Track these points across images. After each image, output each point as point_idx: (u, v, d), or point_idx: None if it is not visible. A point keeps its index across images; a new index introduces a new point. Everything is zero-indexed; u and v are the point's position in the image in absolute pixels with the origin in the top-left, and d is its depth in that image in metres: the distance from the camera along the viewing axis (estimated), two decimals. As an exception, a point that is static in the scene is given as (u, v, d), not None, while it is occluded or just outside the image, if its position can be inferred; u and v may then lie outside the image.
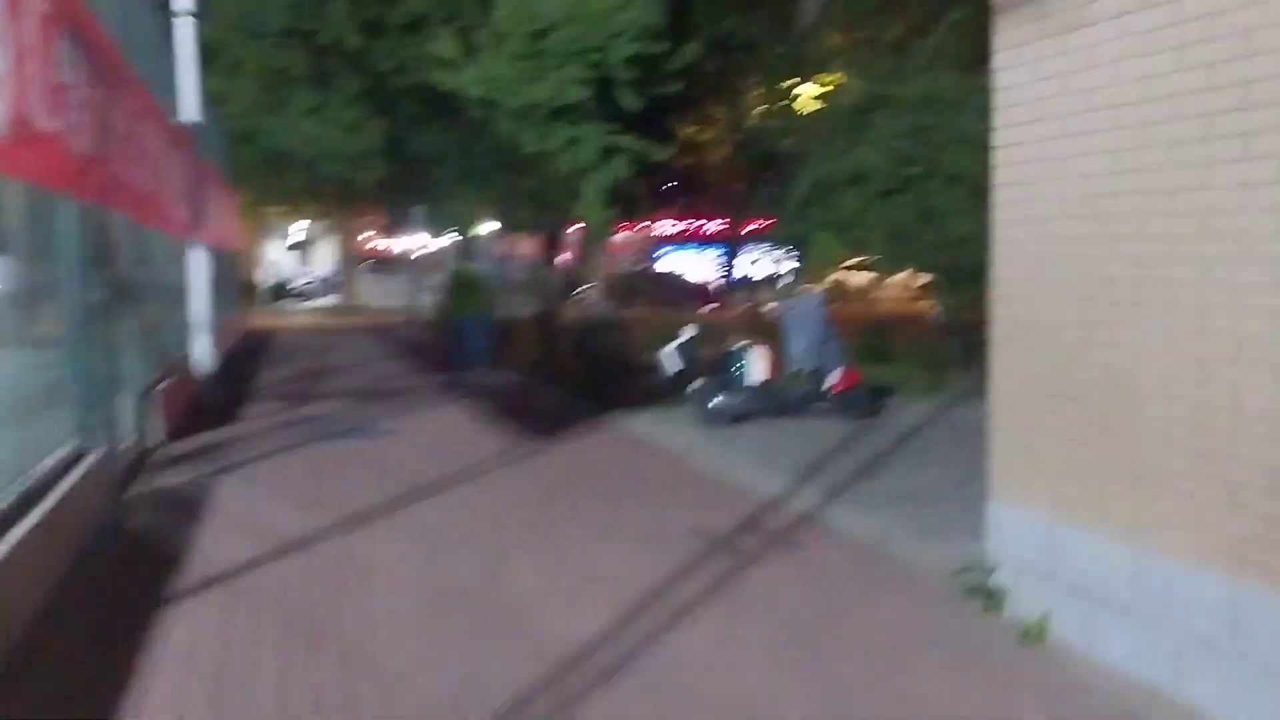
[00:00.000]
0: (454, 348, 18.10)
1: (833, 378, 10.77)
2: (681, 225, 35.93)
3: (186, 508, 8.04)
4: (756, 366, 10.78)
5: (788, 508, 7.84)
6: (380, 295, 40.05)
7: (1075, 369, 5.07)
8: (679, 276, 33.16)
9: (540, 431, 11.12)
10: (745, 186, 26.55)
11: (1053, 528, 5.25)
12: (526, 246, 36.30)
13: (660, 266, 36.21)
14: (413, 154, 26.28)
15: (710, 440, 10.19)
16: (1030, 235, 5.43)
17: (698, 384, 10.91)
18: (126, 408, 9.68)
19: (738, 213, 28.49)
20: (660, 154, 18.45)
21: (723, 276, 30.70)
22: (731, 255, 30.49)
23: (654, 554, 6.63)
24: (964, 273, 16.44)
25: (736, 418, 10.75)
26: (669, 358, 11.37)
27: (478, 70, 16.15)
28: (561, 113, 16.72)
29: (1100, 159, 4.91)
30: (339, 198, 31.06)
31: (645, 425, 11.33)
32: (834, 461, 9.22)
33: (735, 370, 10.78)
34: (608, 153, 17.24)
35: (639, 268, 34.27)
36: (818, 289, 10.62)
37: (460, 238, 39.22)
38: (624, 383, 14.17)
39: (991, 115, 5.71)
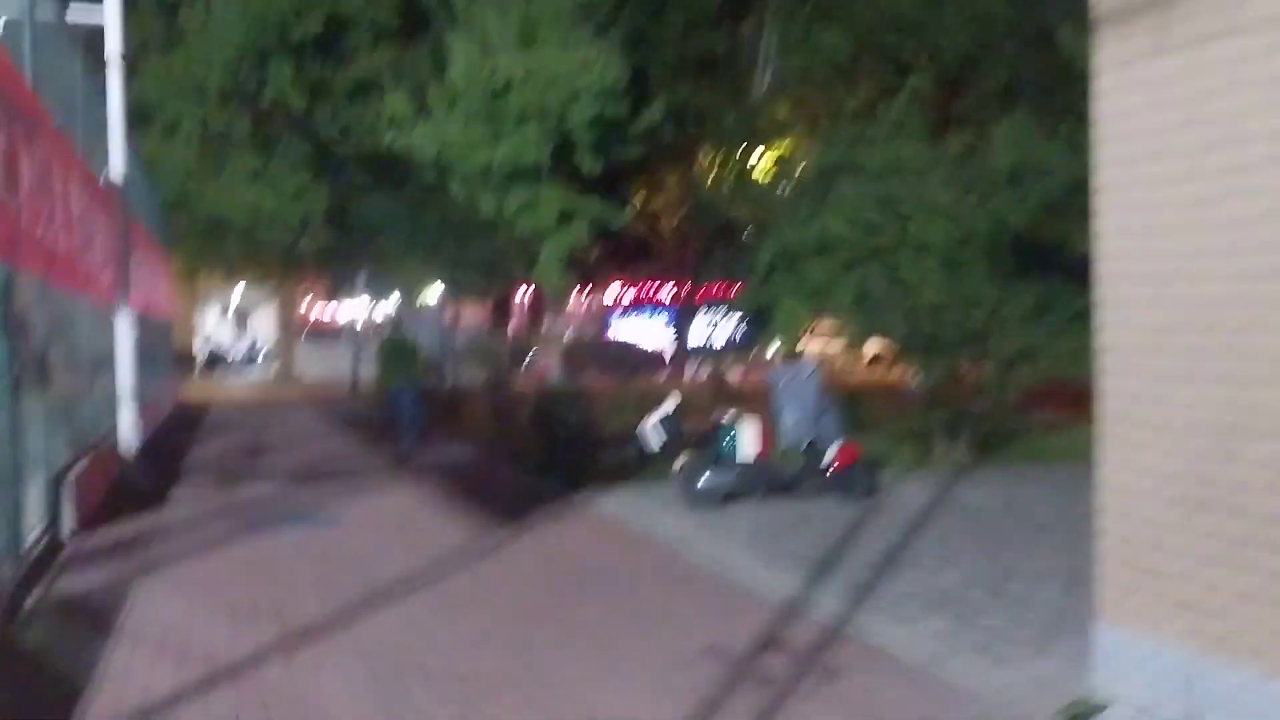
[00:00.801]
0: (388, 418, 16.30)
1: (830, 453, 9.64)
2: (634, 291, 34.86)
3: (97, 620, 6.63)
4: (748, 441, 9.62)
5: (810, 615, 6.61)
6: (320, 365, 38.37)
7: (1223, 468, 3.96)
8: (633, 344, 32.06)
9: (507, 517, 9.80)
10: (699, 252, 25.61)
11: (1191, 662, 4.11)
12: (473, 313, 35.05)
13: (613, 333, 35.12)
14: (358, 221, 25.01)
15: (701, 525, 8.97)
16: (1149, 298, 4.35)
17: (683, 460, 9.70)
18: (33, 496, 8.26)
19: (692, 278, 27.55)
20: (619, 219, 17.50)
21: (677, 343, 29.68)
22: (686, 321, 29.51)
23: (667, 687, 5.35)
24: (940, 343, 15.56)
25: (726, 497, 9.56)
26: (652, 432, 10.17)
27: (430, 130, 15.03)
28: (519, 175, 15.65)
29: (1251, 202, 3.85)
30: (279, 264, 29.60)
31: (624, 507, 10.07)
32: (846, 553, 8.04)
33: (725, 445, 9.61)
34: (566, 216, 16.19)
35: (591, 335, 33.13)
36: (810, 357, 9.54)
37: (402, 304, 37.83)
38: (590, 458, 12.92)
39: (1092, 149, 4.68)
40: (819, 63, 22.79)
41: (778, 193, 19.01)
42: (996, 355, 12.99)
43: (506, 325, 31.92)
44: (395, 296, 36.59)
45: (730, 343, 29.76)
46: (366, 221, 24.86)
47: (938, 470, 12.47)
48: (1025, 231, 16.47)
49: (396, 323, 26.80)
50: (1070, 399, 15.33)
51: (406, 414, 15.30)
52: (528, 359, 34.05)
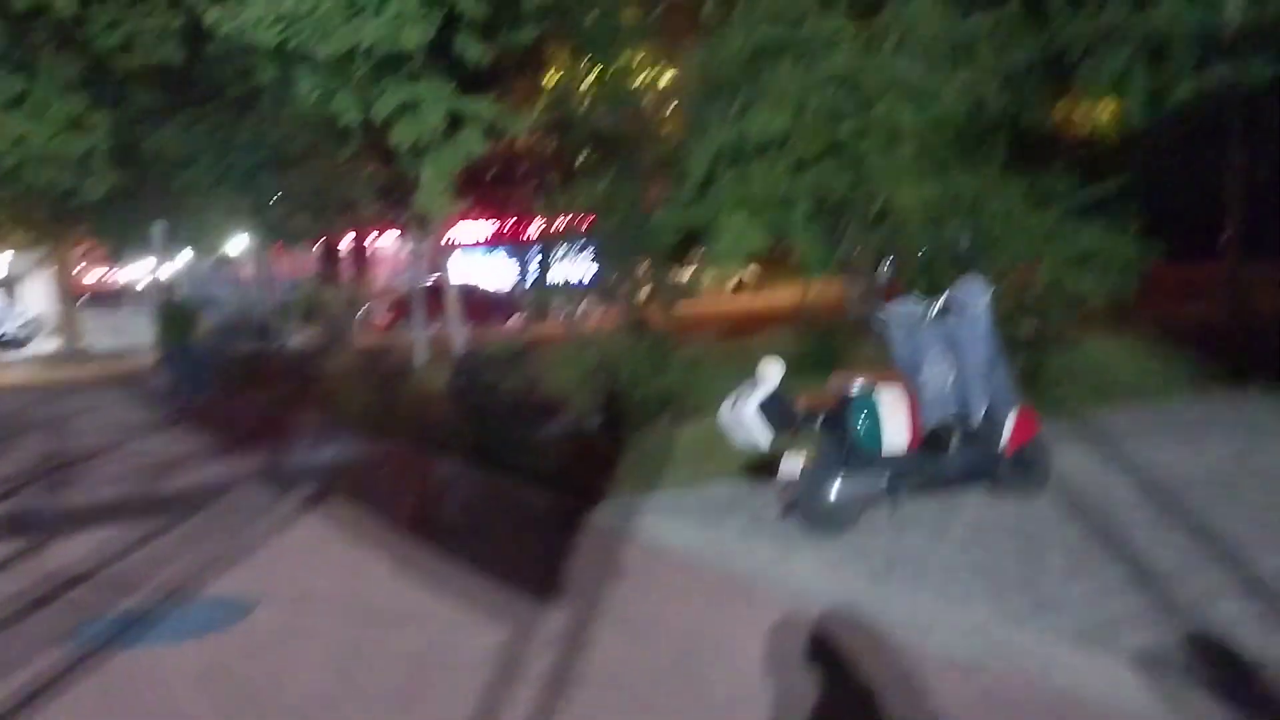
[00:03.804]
0: (170, 382, 15.87)
1: (1007, 426, 6.13)
2: (475, 227, 30.19)
3: None
4: (894, 421, 6.04)
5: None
6: (109, 336, 32.17)
7: None
8: (478, 288, 27.60)
9: (521, 575, 5.83)
10: (565, 175, 21.51)
11: None
12: (293, 262, 29.86)
13: (453, 278, 30.12)
14: (151, 156, 19.71)
15: (874, 573, 5.16)
16: None
17: (794, 459, 5.92)
18: None
19: (552, 208, 23.40)
20: (516, 125, 13.42)
21: (532, 284, 25.51)
22: (544, 259, 25.37)
23: None
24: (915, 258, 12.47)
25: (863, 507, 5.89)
26: (754, 420, 5.80)
27: (269, 5, 10.45)
28: (391, 65, 11.31)
29: None
30: (54, 218, 23.75)
31: (691, 537, 6.17)
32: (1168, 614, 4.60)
33: (861, 431, 5.94)
34: (455, 121, 11.97)
35: (430, 280, 28.34)
36: (979, 281, 5.81)
37: (196, 261, 32.12)
38: (556, 442, 9.08)
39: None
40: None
41: (691, 90, 15.33)
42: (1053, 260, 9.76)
43: (339, 274, 26.98)
44: (188, 253, 30.95)
45: (588, 281, 25.80)
46: (162, 156, 19.63)
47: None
48: (1010, 115, 13.42)
49: (173, 284, 22.51)
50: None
51: (184, 375, 15.11)
52: (361, 311, 29.22)
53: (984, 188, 11.51)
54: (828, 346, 13.70)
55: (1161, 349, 11.54)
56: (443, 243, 25.81)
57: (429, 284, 21.20)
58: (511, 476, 8.30)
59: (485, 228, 31.04)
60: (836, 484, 5.75)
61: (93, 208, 21.77)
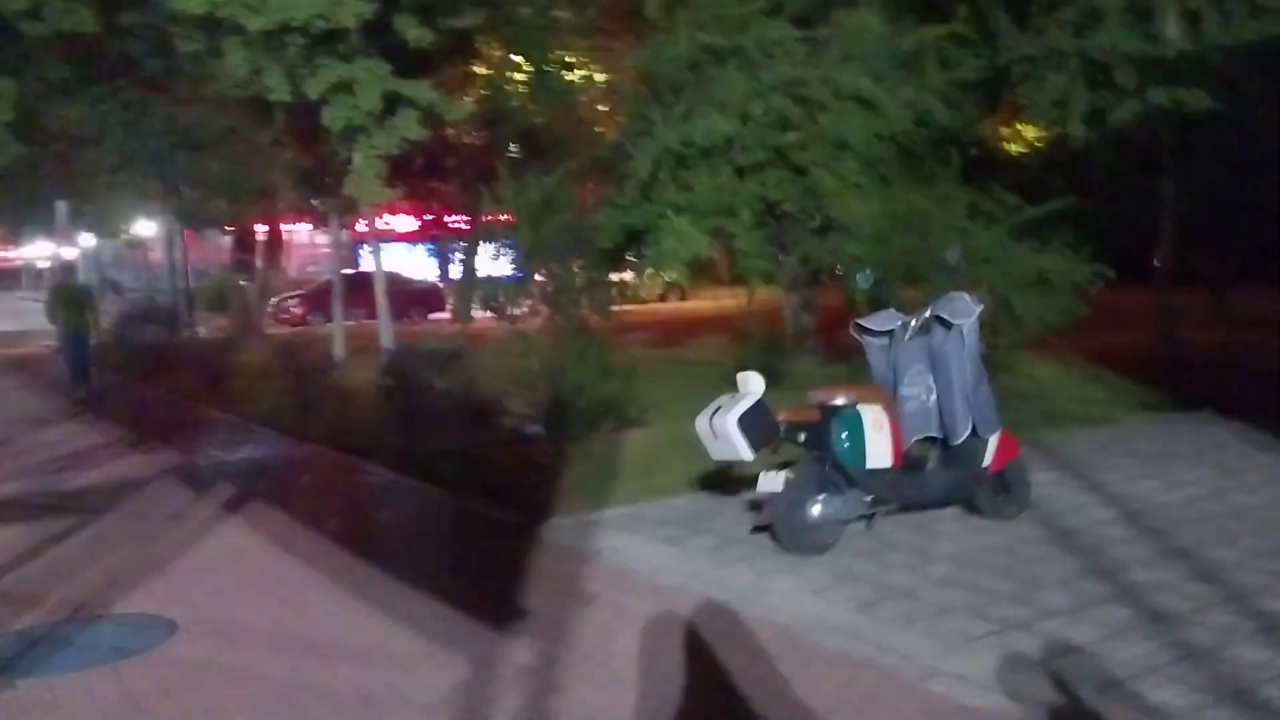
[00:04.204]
0: (64, 368, 15.24)
1: (989, 447, 5.81)
2: (399, 218, 29.07)
3: None
4: (877, 440, 5.59)
5: None
6: (4, 319, 30.42)
7: None
8: (402, 279, 26.61)
9: (473, 600, 5.27)
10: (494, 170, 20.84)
11: None
12: (199, 251, 28.54)
13: (366, 269, 29.00)
14: (56, 131, 18.52)
15: (869, 603, 4.75)
16: None
17: (773, 477, 5.49)
18: None
19: (481, 203, 22.67)
20: (454, 110, 12.84)
21: (459, 279, 24.63)
22: (469, 254, 24.56)
23: None
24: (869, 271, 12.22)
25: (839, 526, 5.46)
26: (737, 432, 5.34)
27: (201, -31, 9.69)
28: (326, 42, 10.63)
29: None
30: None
31: (659, 556, 5.67)
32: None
33: (842, 446, 5.54)
34: (390, 103, 11.32)
35: (347, 271, 27.20)
36: (968, 293, 5.44)
37: (96, 244, 30.63)
38: (494, 446, 8.55)
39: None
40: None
41: (636, 90, 14.94)
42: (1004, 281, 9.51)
43: (251, 263, 25.79)
44: (92, 236, 29.51)
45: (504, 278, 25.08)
46: (68, 131, 18.47)
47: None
48: (954, 130, 13.31)
49: (67, 267, 21.55)
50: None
51: (74, 363, 14.65)
52: (274, 302, 28.06)
53: (931, 203, 11.29)
54: (766, 359, 13.38)
55: (1097, 374, 11.45)
56: (361, 233, 24.91)
57: (350, 274, 20.29)
58: (450, 486, 7.73)
59: (406, 220, 30.08)
60: (817, 503, 5.34)
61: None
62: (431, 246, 30.76)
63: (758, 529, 5.58)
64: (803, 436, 5.46)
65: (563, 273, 13.57)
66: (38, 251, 32.13)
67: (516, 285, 15.42)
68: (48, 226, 25.21)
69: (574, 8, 19.03)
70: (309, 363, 14.30)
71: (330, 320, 24.51)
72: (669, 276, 12.92)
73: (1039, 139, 17.20)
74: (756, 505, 5.58)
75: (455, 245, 27.34)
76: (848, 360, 13.33)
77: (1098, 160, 14.19)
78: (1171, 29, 13.53)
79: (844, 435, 5.42)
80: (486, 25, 14.94)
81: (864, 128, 12.48)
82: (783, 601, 4.92)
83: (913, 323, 5.83)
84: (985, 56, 13.68)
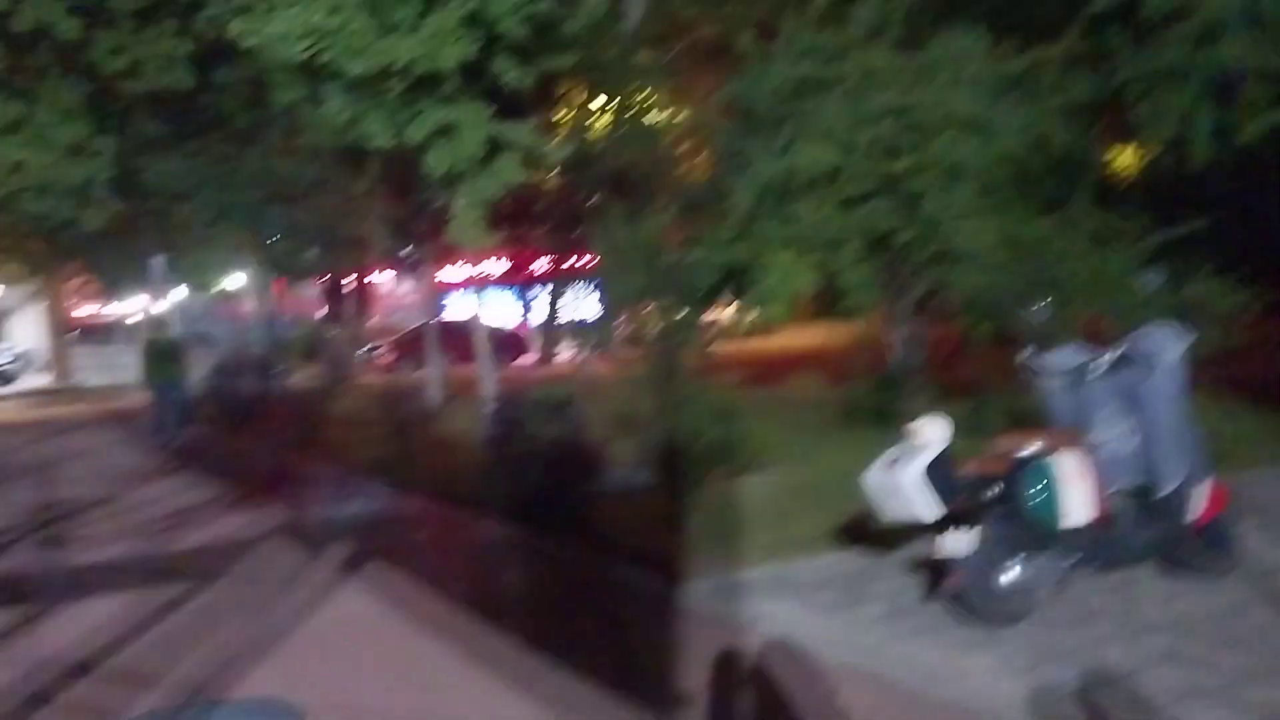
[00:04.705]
0: (155, 419, 15.37)
1: (1197, 499, 5.15)
2: (486, 264, 28.87)
3: None
4: (1075, 493, 4.87)
5: None
6: (101, 372, 30.82)
7: None
8: (484, 325, 26.31)
9: (628, 678, 4.66)
10: (582, 212, 20.50)
11: None
12: (289, 301, 28.63)
13: (452, 315, 28.91)
14: (154, 185, 18.59)
15: (1087, 684, 4.12)
16: None
17: (959, 538, 4.91)
18: None
19: (565, 245, 22.37)
20: (555, 153, 12.47)
21: (542, 322, 24.27)
22: (554, 296, 24.25)
23: None
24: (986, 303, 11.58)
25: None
26: (917, 490, 4.67)
27: (297, 18, 9.41)
28: (427, 86, 10.31)
29: None
30: (49, 250, 22.57)
31: (843, 634, 4.95)
32: None
33: (1034, 502, 4.81)
34: (493, 147, 10.95)
35: (432, 319, 26.99)
36: (1171, 326, 4.81)
37: (190, 296, 30.96)
38: (606, 500, 8.02)
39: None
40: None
41: (721, 126, 14.43)
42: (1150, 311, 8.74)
43: (342, 312, 25.76)
44: (184, 288, 29.90)
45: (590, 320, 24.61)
46: (164, 186, 18.52)
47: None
48: (1068, 152, 12.57)
49: (160, 321, 21.97)
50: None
51: (168, 412, 14.80)
52: (364, 351, 27.97)
53: (1056, 227, 10.59)
54: (877, 398, 12.70)
55: (1253, 408, 10.50)
56: (446, 282, 24.77)
57: (439, 321, 19.95)
58: (571, 541, 7.20)
59: (493, 265, 29.93)
60: (1012, 567, 4.68)
61: (89, 240, 20.65)
62: (515, 290, 30.52)
63: (938, 596, 4.92)
64: (993, 491, 4.80)
65: (658, 313, 13.09)
66: (129, 307, 32.58)
67: (606, 327, 15.03)
68: (142, 281, 25.50)
69: (657, 49, 18.64)
70: (407, 411, 13.96)
71: (420, 367, 24.43)
72: (773, 315, 12.25)
73: (1146, 160, 16.32)
74: (935, 568, 4.92)
75: (539, 289, 27.04)
76: (964, 397, 12.61)
77: (1222, 182, 13.30)
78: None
79: (1037, 489, 4.76)
80: (572, 68, 14.57)
81: (979, 153, 11.82)
82: (984, 684, 4.27)
83: (1104, 358, 5.14)
84: (1100, 76, 12.92)
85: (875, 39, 13.09)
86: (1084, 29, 12.84)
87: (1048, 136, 11.93)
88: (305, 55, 9.61)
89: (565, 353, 23.68)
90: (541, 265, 25.38)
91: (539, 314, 27.22)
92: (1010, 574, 4.70)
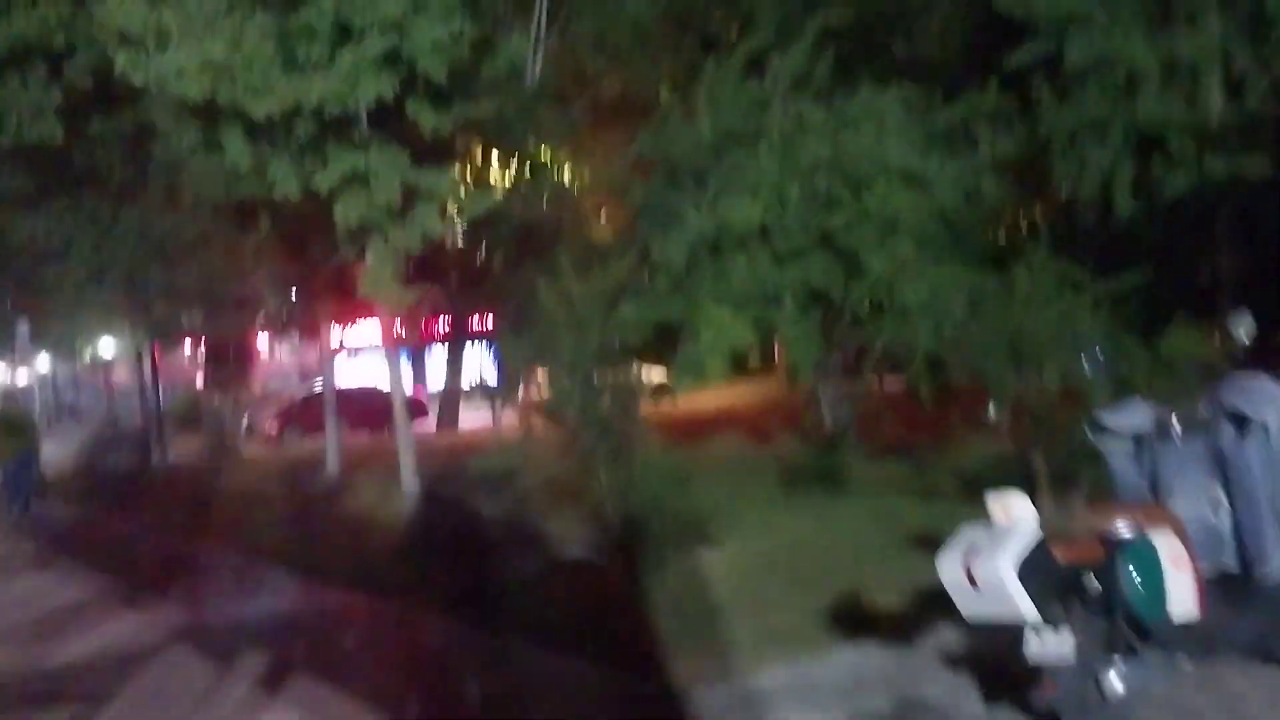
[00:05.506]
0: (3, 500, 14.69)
1: (1283, 576, 4.29)
2: (371, 326, 27.24)
3: None
4: (1179, 579, 4.05)
5: None
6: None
7: None
8: (398, 391, 24.69)
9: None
10: (489, 271, 19.42)
11: None
12: (165, 368, 26.56)
13: (344, 381, 26.93)
14: (16, 246, 16.91)
15: None
16: None
17: (1057, 640, 4.00)
18: None
19: (466, 305, 21.19)
20: (480, 202, 11.54)
21: (446, 383, 22.86)
22: (453, 358, 22.98)
23: None
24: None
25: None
26: (1005, 586, 3.72)
27: (198, 48, 8.28)
28: (338, 128, 9.28)
29: None
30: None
31: None
32: None
33: (1134, 593, 3.98)
34: (410, 196, 9.94)
35: (324, 384, 25.21)
36: (1265, 378, 4.15)
37: (60, 361, 28.74)
38: (585, 594, 7.01)
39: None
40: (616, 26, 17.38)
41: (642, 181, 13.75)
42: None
43: (225, 379, 23.99)
44: (49, 356, 27.71)
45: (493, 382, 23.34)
46: (30, 247, 16.86)
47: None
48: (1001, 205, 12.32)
49: (8, 393, 20.69)
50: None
51: (14, 484, 14.40)
52: (245, 420, 26.06)
53: (1011, 279, 10.15)
54: (816, 459, 12.00)
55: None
56: (335, 347, 23.30)
57: (332, 387, 18.42)
58: (536, 638, 6.13)
59: (379, 327, 28.48)
60: (1120, 669, 3.87)
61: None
62: (407, 354, 29.06)
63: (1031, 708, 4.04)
64: (1091, 582, 3.98)
65: (576, 375, 12.14)
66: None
67: (513, 389, 13.94)
68: (5, 347, 23.31)
69: (564, 103, 17.86)
70: (306, 486, 12.62)
71: (304, 436, 22.80)
72: (709, 372, 11.46)
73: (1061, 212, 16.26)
74: (1035, 677, 4.00)
75: (435, 351, 25.77)
76: (900, 457, 11.99)
77: (1146, 234, 13.19)
78: (1215, 97, 12.60)
79: (1139, 577, 3.96)
80: (486, 119, 13.69)
81: (914, 206, 11.40)
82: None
83: (1178, 419, 4.43)
84: (1026, 130, 12.69)
85: (798, 91, 12.67)
86: (1006, 82, 12.65)
87: (980, 189, 11.62)
88: (202, 94, 8.47)
89: (465, 417, 22.48)
90: (440, 326, 24.13)
91: (435, 377, 25.89)
92: (1118, 680, 3.88)
